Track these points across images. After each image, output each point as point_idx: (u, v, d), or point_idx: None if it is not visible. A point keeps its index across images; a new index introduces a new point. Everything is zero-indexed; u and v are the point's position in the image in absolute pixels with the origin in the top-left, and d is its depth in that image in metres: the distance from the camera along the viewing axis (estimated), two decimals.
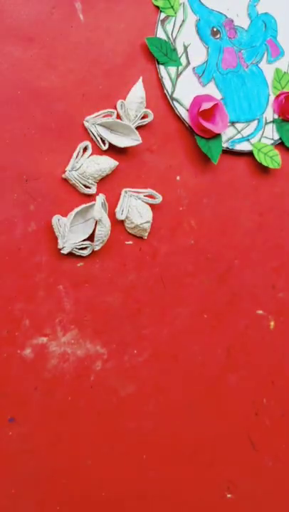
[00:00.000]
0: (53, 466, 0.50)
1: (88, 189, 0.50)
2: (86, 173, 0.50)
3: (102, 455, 0.51)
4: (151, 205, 0.52)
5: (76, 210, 0.49)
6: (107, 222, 0.48)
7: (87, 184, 0.50)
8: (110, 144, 0.50)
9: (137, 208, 0.51)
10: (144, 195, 0.52)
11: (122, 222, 0.52)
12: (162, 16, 0.51)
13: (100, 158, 0.50)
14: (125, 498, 0.52)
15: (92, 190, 0.50)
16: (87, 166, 0.50)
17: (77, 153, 0.50)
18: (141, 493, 0.52)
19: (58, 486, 0.50)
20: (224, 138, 0.54)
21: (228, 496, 0.55)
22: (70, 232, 0.49)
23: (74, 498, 0.50)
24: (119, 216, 0.51)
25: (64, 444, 0.50)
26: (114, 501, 0.51)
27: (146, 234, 0.52)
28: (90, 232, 0.50)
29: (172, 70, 0.52)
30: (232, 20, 0.54)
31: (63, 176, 0.50)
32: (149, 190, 0.52)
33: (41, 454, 0.49)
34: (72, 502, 0.50)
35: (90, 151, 0.50)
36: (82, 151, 0.50)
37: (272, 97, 0.56)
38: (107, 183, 0.51)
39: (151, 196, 0.52)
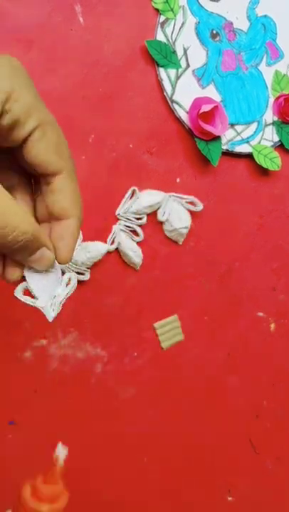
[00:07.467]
0: (52, 469, 0.50)
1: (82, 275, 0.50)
2: (78, 261, 0.48)
3: (103, 458, 0.51)
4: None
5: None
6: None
7: (80, 271, 0.49)
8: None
9: (178, 213, 0.51)
10: (186, 202, 0.52)
11: (161, 224, 0.52)
12: (162, 18, 0.51)
13: (90, 246, 0.49)
14: (126, 501, 0.52)
15: (86, 277, 0.50)
16: (77, 254, 0.48)
17: None
18: (141, 496, 0.52)
19: None
20: (224, 140, 0.54)
21: (229, 498, 0.55)
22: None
23: (74, 501, 0.50)
24: (161, 217, 0.51)
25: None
26: (115, 504, 0.51)
27: (182, 240, 0.52)
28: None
29: (172, 72, 0.52)
30: (231, 23, 0.54)
31: None
32: (191, 197, 0.52)
33: (41, 457, 0.49)
34: (72, 505, 0.50)
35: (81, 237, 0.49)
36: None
37: (271, 99, 0.56)
38: (108, 181, 0.51)
39: (192, 203, 0.52)
